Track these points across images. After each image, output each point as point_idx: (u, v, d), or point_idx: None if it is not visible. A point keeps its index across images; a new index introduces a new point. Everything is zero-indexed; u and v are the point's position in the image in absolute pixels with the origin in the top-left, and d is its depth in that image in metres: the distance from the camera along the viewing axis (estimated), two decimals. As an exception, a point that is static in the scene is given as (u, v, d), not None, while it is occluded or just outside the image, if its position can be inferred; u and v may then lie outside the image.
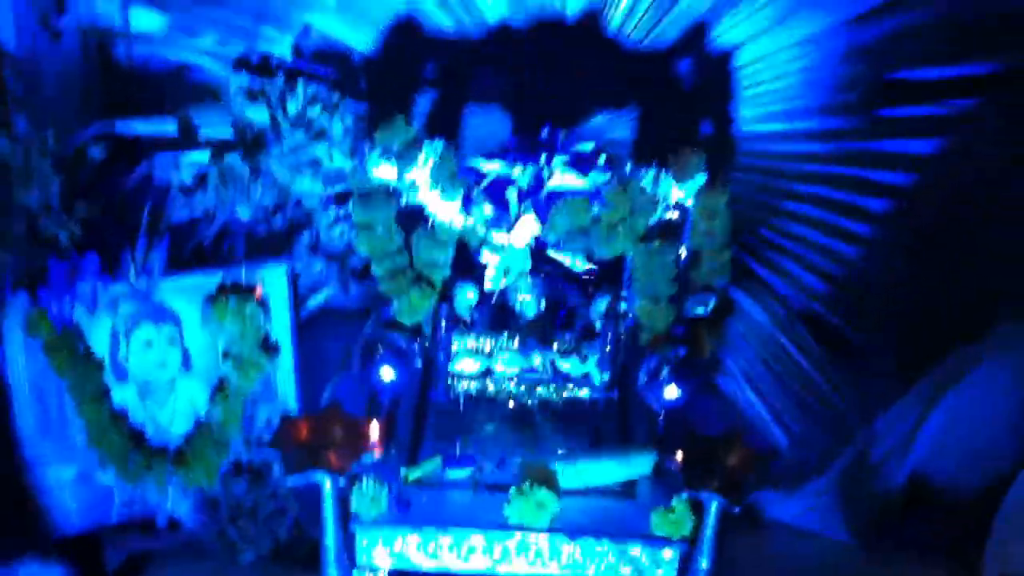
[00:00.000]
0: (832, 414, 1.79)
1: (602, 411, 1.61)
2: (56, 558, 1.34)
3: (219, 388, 1.58)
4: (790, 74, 1.76)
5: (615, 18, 1.74)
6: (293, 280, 1.61)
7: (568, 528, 1.43)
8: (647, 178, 1.47)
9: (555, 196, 1.47)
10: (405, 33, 1.74)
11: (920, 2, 1.69)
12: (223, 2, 1.70)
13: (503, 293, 1.60)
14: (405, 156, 1.45)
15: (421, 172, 1.44)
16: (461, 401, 1.61)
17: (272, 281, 1.58)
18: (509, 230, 1.49)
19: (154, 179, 1.62)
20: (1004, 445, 1.57)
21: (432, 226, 1.49)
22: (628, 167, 1.52)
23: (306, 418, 1.42)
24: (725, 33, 1.75)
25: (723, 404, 1.83)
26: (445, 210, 1.47)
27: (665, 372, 1.48)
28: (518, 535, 1.43)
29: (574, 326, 1.61)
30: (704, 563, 1.39)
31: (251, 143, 1.60)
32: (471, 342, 1.57)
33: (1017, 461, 1.54)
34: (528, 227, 1.50)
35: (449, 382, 1.58)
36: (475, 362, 1.57)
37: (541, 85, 1.78)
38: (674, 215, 1.50)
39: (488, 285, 1.57)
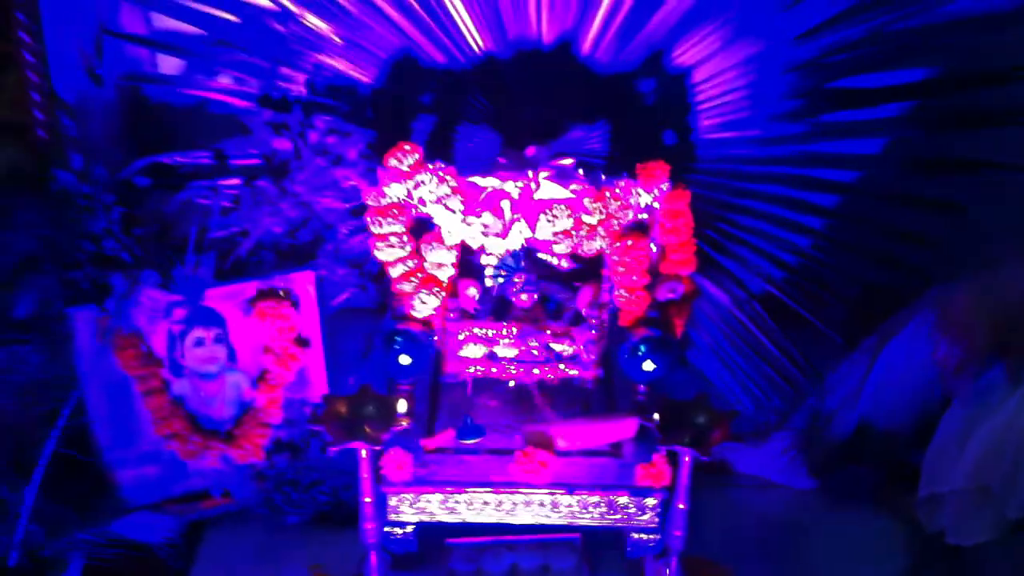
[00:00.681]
0: (786, 379, 2.03)
1: (591, 386, 1.85)
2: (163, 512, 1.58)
3: (261, 378, 1.85)
4: (739, 88, 1.98)
5: (586, 45, 1.96)
6: (319, 284, 1.86)
7: (565, 483, 1.69)
8: (619, 186, 1.69)
9: (542, 205, 1.71)
10: (404, 67, 1.95)
11: (853, 20, 1.91)
12: (242, 47, 1.92)
13: (501, 288, 1.82)
14: (412, 176, 1.72)
15: (426, 189, 1.72)
16: (469, 382, 1.86)
17: (302, 285, 1.83)
18: (504, 235, 1.74)
19: (195, 203, 1.88)
20: (932, 391, 1.80)
21: (437, 233, 1.77)
22: (602, 176, 1.76)
23: (344, 397, 1.62)
24: (680, 56, 1.95)
25: (693, 375, 2.08)
26: (448, 220, 1.73)
27: (643, 350, 1.70)
28: (523, 490, 1.69)
29: (563, 315, 1.85)
30: (681, 505, 1.63)
31: (277, 168, 1.85)
32: (475, 331, 1.81)
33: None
34: (520, 232, 1.74)
35: (456, 367, 1.84)
36: (479, 348, 1.82)
37: (523, 107, 1.98)
38: (644, 216, 1.72)
39: (488, 282, 1.81)
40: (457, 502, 1.71)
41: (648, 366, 1.71)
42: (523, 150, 1.79)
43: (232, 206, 1.84)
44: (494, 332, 1.81)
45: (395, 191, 1.69)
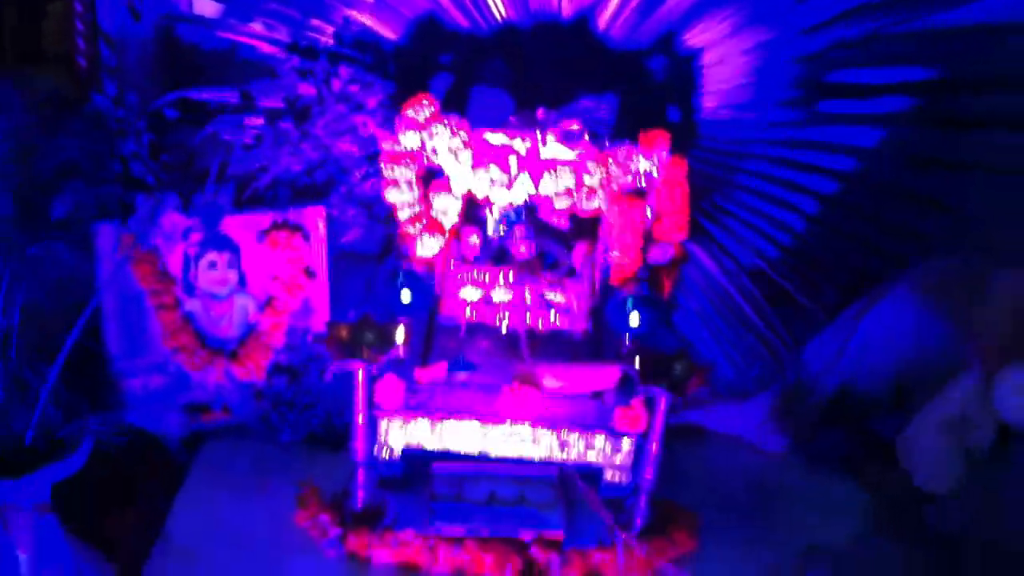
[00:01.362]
0: (767, 347, 2.14)
1: (579, 337, 1.96)
2: None
3: (267, 303, 1.96)
4: (744, 73, 2.11)
5: (603, 21, 2.09)
6: (330, 221, 1.98)
7: (548, 420, 1.80)
8: (621, 152, 1.82)
9: (547, 163, 1.83)
10: (428, 27, 2.08)
11: (857, 19, 2.03)
12: (278, -1, 2.11)
13: (502, 239, 1.93)
14: (427, 127, 1.86)
15: (440, 140, 1.85)
16: (464, 324, 1.96)
17: (313, 220, 1.96)
18: (509, 188, 1.86)
19: (220, 137, 1.98)
20: (910, 359, 1.93)
21: (445, 182, 1.91)
22: (607, 143, 1.87)
23: (346, 323, 1.73)
24: (692, 39, 2.08)
25: (676, 334, 2.20)
26: (457, 170, 1.84)
27: (630, 304, 1.82)
28: (508, 424, 1.80)
29: (559, 268, 1.96)
30: (654, 447, 1.75)
31: (300, 112, 1.96)
32: (473, 275, 1.92)
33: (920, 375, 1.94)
34: (524, 187, 1.85)
35: (454, 307, 1.94)
36: (476, 291, 1.93)
37: (538, 74, 2.11)
38: (642, 182, 1.85)
39: (490, 232, 1.92)
40: (444, 430, 1.81)
41: (634, 320, 1.83)
42: (533, 112, 1.90)
43: (254, 143, 1.95)
44: (491, 277, 1.93)
45: (410, 140, 1.81)
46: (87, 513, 1.59)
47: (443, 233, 1.86)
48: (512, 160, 1.83)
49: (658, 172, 1.83)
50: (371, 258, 2.19)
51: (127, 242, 1.83)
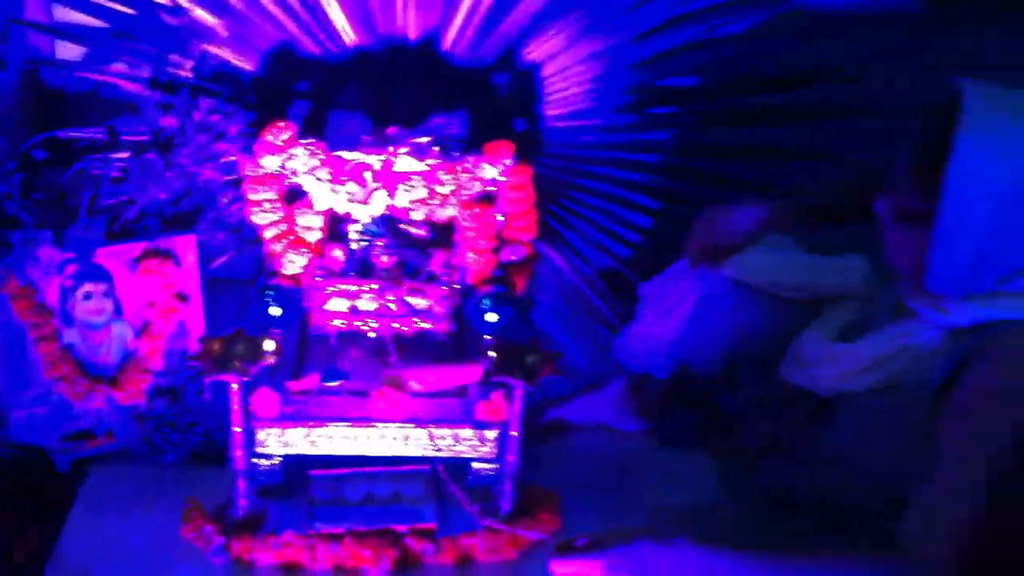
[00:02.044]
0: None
1: (442, 338, 2.07)
2: None
3: (144, 329, 2.03)
4: (583, 82, 2.28)
5: (447, 41, 2.23)
6: (200, 246, 2.05)
7: (416, 419, 1.92)
8: (469, 162, 1.96)
9: (401, 176, 1.95)
10: (283, 57, 2.20)
11: (677, 28, 2.23)
12: (134, 36, 2.16)
13: (364, 251, 2.03)
14: (285, 150, 1.99)
15: (298, 161, 1.98)
16: (333, 334, 2.06)
17: (183, 247, 2.03)
18: (366, 203, 2.01)
19: (88, 173, 2.08)
20: (735, 341, 2.04)
21: (307, 201, 2.04)
22: (456, 154, 2.00)
23: (218, 337, 1.82)
24: (531, 53, 2.24)
25: (531, 328, 2.36)
26: (317, 189, 1.97)
27: (487, 303, 1.95)
28: (379, 425, 1.92)
29: (419, 275, 2.05)
30: (514, 433, 1.88)
31: (164, 144, 2.06)
32: (340, 287, 2.01)
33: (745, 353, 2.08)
34: (381, 200, 1.98)
35: (323, 319, 2.04)
36: (343, 302, 2.02)
37: (391, 95, 2.24)
38: (491, 188, 1.98)
39: (353, 245, 2.03)
40: (319, 436, 1.91)
41: (491, 317, 1.96)
42: (384, 130, 2.02)
43: (121, 176, 2.05)
44: (357, 288, 2.02)
45: (270, 163, 1.92)
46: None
47: (308, 249, 1.97)
48: (368, 175, 1.95)
49: (504, 178, 1.98)
50: (243, 282, 2.27)
51: (4, 278, 1.91)
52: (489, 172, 1.97)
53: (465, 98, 2.28)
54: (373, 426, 1.94)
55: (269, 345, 1.86)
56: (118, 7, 2.14)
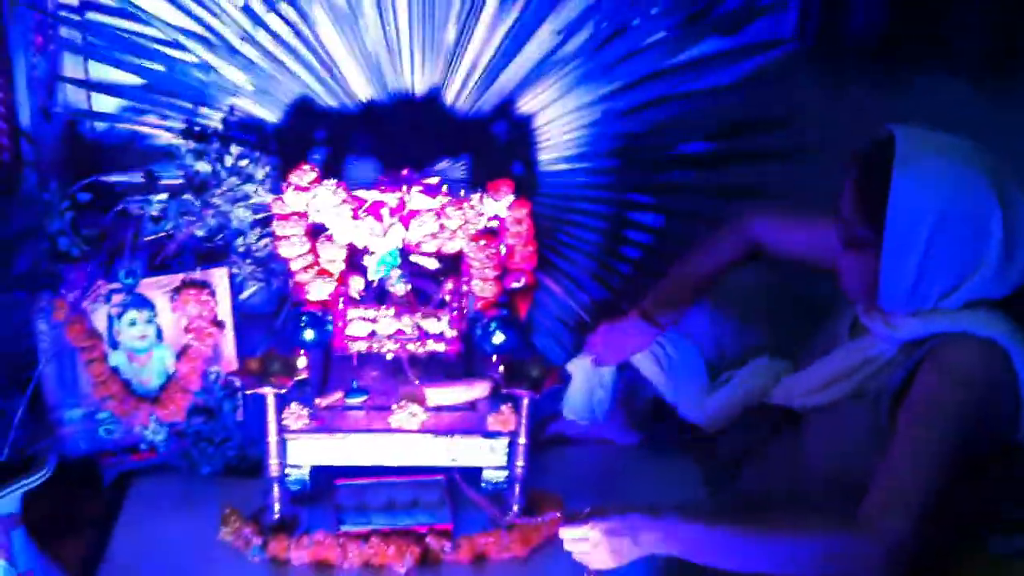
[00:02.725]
0: None
1: (453, 358, 2.24)
2: None
3: (183, 352, 2.20)
4: (573, 130, 2.49)
5: (449, 95, 2.44)
6: (232, 278, 2.24)
7: (432, 430, 2.11)
8: (474, 199, 2.16)
9: (414, 212, 2.14)
10: (302, 109, 2.40)
11: (652, 83, 2.47)
12: (168, 92, 2.37)
13: (381, 281, 2.19)
14: (309, 189, 2.20)
15: (321, 199, 2.17)
16: (355, 355, 2.23)
17: (218, 278, 2.22)
18: (384, 236, 2.17)
19: (130, 213, 2.25)
20: (713, 358, 2.23)
21: (329, 235, 2.24)
22: (462, 192, 2.19)
23: (256, 357, 2.04)
24: (526, 104, 2.45)
25: (532, 349, 2.55)
26: (338, 224, 2.15)
27: (493, 326, 2.13)
28: (398, 436, 2.11)
29: (431, 301, 2.22)
30: (522, 440, 2.07)
31: (198, 186, 2.21)
32: (360, 313, 2.19)
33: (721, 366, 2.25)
34: (397, 234, 2.16)
35: (345, 341, 2.20)
36: (364, 327, 2.19)
37: (401, 143, 2.43)
38: (494, 223, 2.17)
39: (371, 275, 2.19)
40: (343, 446, 2.09)
41: (498, 339, 2.14)
42: (398, 172, 2.20)
43: (161, 216, 2.21)
44: (375, 314, 2.19)
45: (296, 201, 2.10)
46: (41, 536, 1.84)
47: (332, 278, 2.15)
48: (384, 212, 2.13)
49: (507, 213, 2.16)
50: (262, 316, 2.48)
51: (60, 307, 2.08)
52: (492, 208, 2.15)
53: (467, 145, 2.48)
54: (393, 437, 2.12)
55: (301, 362, 2.06)
56: (152, 65, 2.34)
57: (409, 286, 2.21)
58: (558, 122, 2.50)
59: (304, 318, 2.09)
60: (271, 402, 1.99)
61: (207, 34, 2.33)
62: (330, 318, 2.14)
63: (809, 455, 1.93)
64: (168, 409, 2.19)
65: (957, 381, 1.63)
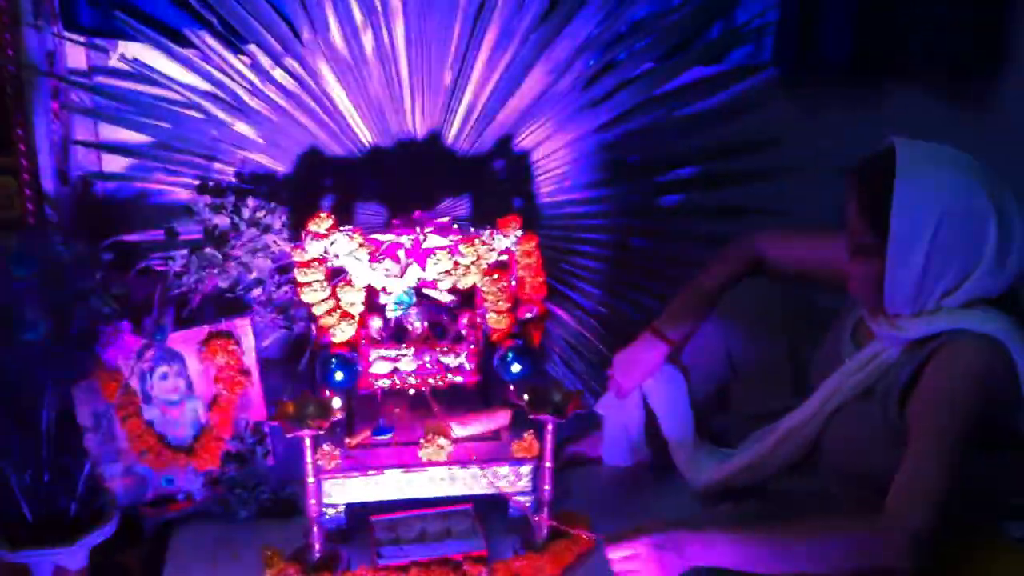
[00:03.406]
0: None
1: (472, 389, 2.31)
2: None
3: (213, 402, 2.24)
4: (567, 163, 2.59)
5: (450, 136, 2.52)
6: (255, 326, 2.29)
7: (459, 461, 2.16)
8: (484, 235, 2.23)
9: (428, 251, 2.20)
10: (311, 158, 2.48)
11: (638, 114, 2.60)
12: (180, 148, 2.44)
13: (400, 319, 2.27)
14: (327, 236, 2.27)
15: (339, 245, 2.22)
16: (379, 393, 2.29)
17: (242, 328, 2.27)
18: (401, 277, 2.25)
19: (153, 269, 2.32)
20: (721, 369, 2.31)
21: (348, 279, 2.30)
22: (471, 229, 2.26)
23: (291, 401, 2.04)
24: (523, 140, 2.54)
25: (546, 376, 2.63)
26: (357, 268, 2.21)
27: (510, 356, 2.20)
28: (427, 469, 2.16)
29: (448, 336, 2.30)
30: (547, 464, 2.12)
31: (217, 238, 2.27)
32: (382, 352, 2.25)
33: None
34: (413, 274, 2.21)
35: (369, 380, 2.27)
36: (386, 365, 2.25)
37: (406, 185, 2.52)
38: (504, 257, 2.24)
39: (389, 314, 2.27)
40: (376, 483, 2.13)
41: (515, 368, 2.21)
42: (411, 214, 2.28)
43: (183, 270, 2.26)
44: (396, 352, 2.24)
45: (315, 248, 2.15)
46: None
47: (354, 320, 2.22)
48: (400, 253, 2.19)
49: (515, 247, 2.24)
50: (283, 362, 2.56)
51: (95, 365, 2.10)
52: (502, 243, 2.23)
53: (468, 182, 2.57)
54: (423, 470, 2.17)
55: (336, 403, 2.12)
56: (163, 124, 2.42)
57: (426, 323, 2.29)
58: (554, 156, 2.60)
59: (334, 360, 2.16)
60: (308, 444, 2.05)
61: (216, 91, 2.41)
62: (357, 358, 2.21)
63: (825, 454, 2.02)
64: (202, 458, 2.23)
65: (962, 375, 1.74)
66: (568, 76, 2.50)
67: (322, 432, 2.03)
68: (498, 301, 2.24)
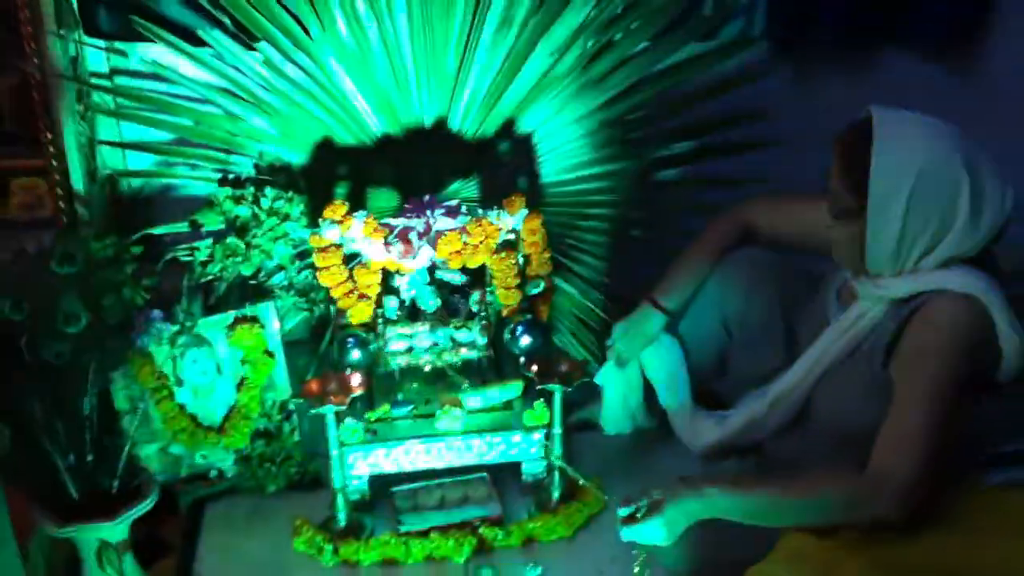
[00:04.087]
0: None
1: (485, 363, 2.42)
2: None
3: (241, 383, 2.34)
4: (571, 141, 2.66)
5: (456, 121, 2.60)
6: (278, 310, 2.38)
7: (475, 430, 2.27)
8: (491, 215, 2.34)
9: (439, 234, 2.30)
10: (325, 148, 2.57)
11: (637, 91, 2.67)
12: (199, 143, 2.53)
13: (414, 298, 2.37)
14: (343, 222, 2.37)
15: (355, 230, 2.31)
16: (396, 368, 2.42)
17: (265, 312, 2.36)
18: (414, 258, 2.32)
19: (179, 260, 2.44)
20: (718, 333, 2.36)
21: (364, 262, 2.38)
22: (480, 210, 2.37)
23: (314, 379, 2.17)
24: (527, 122, 2.61)
25: (554, 347, 2.67)
26: (372, 251, 2.30)
27: (520, 330, 2.32)
28: (445, 439, 2.27)
29: (460, 312, 2.40)
30: (556, 431, 2.23)
31: (239, 228, 2.38)
32: (399, 330, 2.36)
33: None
34: (425, 255, 2.31)
35: (387, 356, 2.39)
36: (402, 342, 2.37)
37: (416, 170, 2.60)
38: (511, 236, 2.33)
39: (404, 295, 2.37)
40: (396, 454, 2.24)
41: (524, 341, 2.33)
42: (421, 199, 2.37)
43: (208, 260, 2.37)
44: (412, 330, 2.35)
45: (331, 234, 2.25)
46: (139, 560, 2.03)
47: (370, 300, 2.33)
48: (413, 236, 2.29)
49: (521, 226, 2.34)
50: (304, 343, 2.65)
51: (130, 352, 2.21)
52: (508, 222, 2.33)
53: (476, 165, 2.65)
54: (440, 439, 2.29)
55: (356, 380, 2.23)
56: (182, 122, 2.51)
57: (439, 301, 2.40)
58: (557, 136, 2.68)
59: (353, 339, 2.28)
60: (331, 420, 2.16)
61: (231, 87, 2.50)
62: (373, 337, 2.32)
63: (817, 413, 2.11)
64: (233, 436, 2.34)
65: (943, 329, 1.83)
66: (567, 58, 2.56)
67: (344, 408, 2.15)
68: (507, 278, 2.35)
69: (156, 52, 2.49)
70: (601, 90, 2.64)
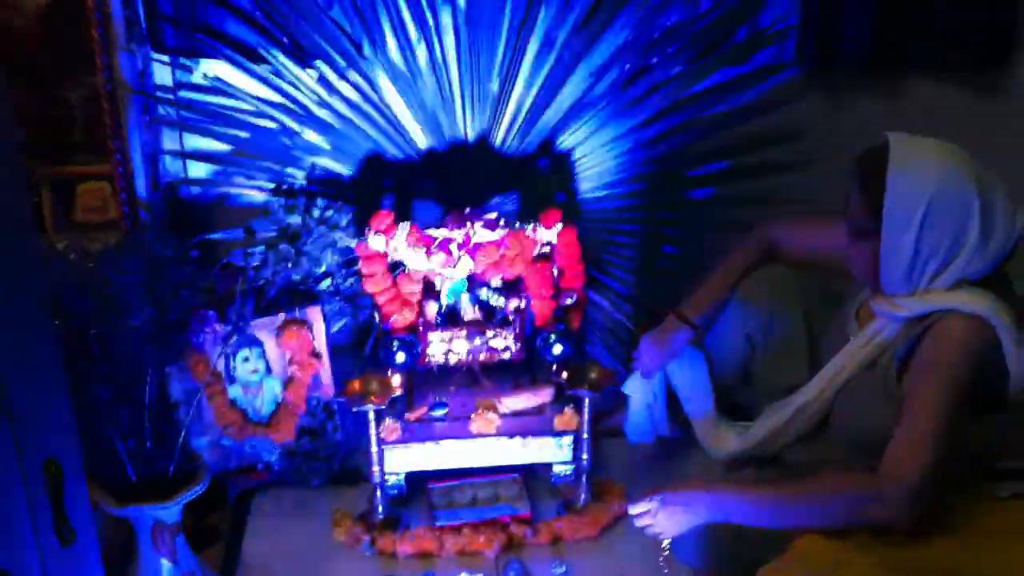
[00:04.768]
0: None
1: (519, 368, 2.52)
2: None
3: (288, 382, 2.46)
4: (606, 160, 2.75)
5: (498, 138, 2.70)
6: (325, 313, 2.50)
7: (507, 432, 2.36)
8: (529, 228, 2.44)
9: (479, 245, 2.39)
10: (373, 162, 2.69)
11: (673, 113, 2.75)
12: (255, 155, 2.68)
13: (453, 306, 2.46)
14: (388, 232, 2.49)
15: (399, 240, 2.43)
16: (435, 371, 2.50)
17: (312, 315, 2.49)
18: (454, 267, 2.42)
19: (234, 264, 2.55)
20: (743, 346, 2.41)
21: (407, 270, 2.49)
22: (517, 224, 2.46)
23: (357, 379, 2.28)
24: (565, 140, 2.71)
25: (586, 356, 2.77)
26: (415, 260, 2.41)
27: (552, 338, 2.40)
28: (479, 440, 2.37)
29: (497, 320, 2.48)
30: (586, 435, 2.32)
31: (291, 236, 2.48)
32: (438, 334, 2.45)
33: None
34: (465, 265, 2.41)
35: (426, 359, 2.47)
36: (441, 346, 2.45)
37: (458, 184, 2.70)
38: (547, 248, 2.43)
39: (444, 301, 2.47)
40: (433, 453, 2.34)
41: (557, 349, 2.41)
42: (462, 211, 2.49)
43: (261, 265, 2.47)
44: (451, 335, 2.44)
45: (377, 243, 2.37)
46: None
47: (412, 307, 2.44)
48: (453, 247, 2.39)
49: (556, 239, 2.43)
50: (349, 346, 2.76)
51: (186, 351, 2.31)
52: (545, 235, 2.42)
53: (515, 180, 2.76)
54: (474, 442, 2.38)
55: (396, 380, 2.35)
56: (241, 133, 2.66)
57: (477, 308, 2.51)
58: (594, 154, 2.78)
59: (396, 343, 2.38)
60: (372, 418, 2.28)
61: (287, 103, 2.64)
62: (417, 341, 2.43)
63: (835, 425, 2.17)
64: (279, 432, 2.46)
65: (953, 346, 1.89)
66: (605, 80, 2.67)
67: (384, 407, 2.26)
68: (541, 289, 2.44)
69: (218, 68, 2.64)
70: (637, 111, 2.73)
